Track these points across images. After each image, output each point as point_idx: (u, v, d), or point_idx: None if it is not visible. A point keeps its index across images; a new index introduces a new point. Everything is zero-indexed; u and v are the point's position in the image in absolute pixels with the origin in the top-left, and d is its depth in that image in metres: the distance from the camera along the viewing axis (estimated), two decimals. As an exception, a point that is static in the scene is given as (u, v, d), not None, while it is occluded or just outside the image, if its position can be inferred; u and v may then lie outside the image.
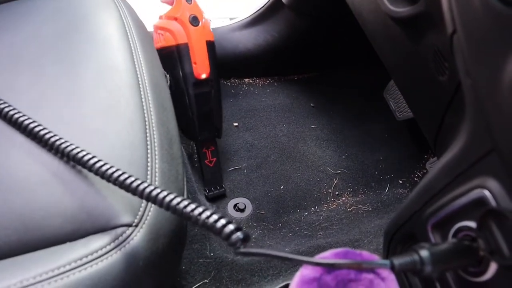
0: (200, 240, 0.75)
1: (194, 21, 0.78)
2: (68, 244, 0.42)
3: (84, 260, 0.41)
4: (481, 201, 0.30)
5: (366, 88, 1.14)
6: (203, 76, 0.80)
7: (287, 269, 0.74)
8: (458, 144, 0.33)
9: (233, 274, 0.71)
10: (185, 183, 0.54)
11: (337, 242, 0.75)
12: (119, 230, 0.44)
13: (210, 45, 0.81)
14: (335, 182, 1.00)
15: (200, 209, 0.34)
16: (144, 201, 0.46)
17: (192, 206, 0.35)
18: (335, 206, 0.96)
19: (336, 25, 1.05)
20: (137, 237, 0.44)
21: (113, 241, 0.43)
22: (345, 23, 0.88)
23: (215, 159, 0.90)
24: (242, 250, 0.30)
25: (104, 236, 0.43)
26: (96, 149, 0.45)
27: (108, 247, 0.42)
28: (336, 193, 0.98)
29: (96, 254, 0.41)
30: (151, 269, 0.45)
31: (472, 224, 0.31)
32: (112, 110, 0.51)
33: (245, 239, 0.31)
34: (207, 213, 0.34)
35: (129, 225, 0.44)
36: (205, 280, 0.72)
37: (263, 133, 1.05)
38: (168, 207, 0.38)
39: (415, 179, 1.01)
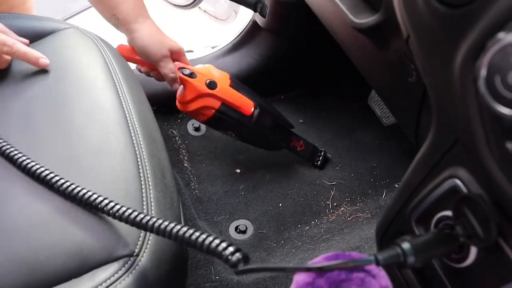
0: (204, 265, 0.76)
1: (212, 85, 0.83)
2: (73, 281, 0.44)
3: (91, 293, 0.42)
4: (454, 190, 0.32)
5: (351, 99, 1.17)
6: (252, 109, 0.87)
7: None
8: (428, 140, 0.36)
9: (239, 295, 0.72)
10: (181, 209, 0.56)
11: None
12: (122, 261, 0.45)
13: (234, 82, 0.88)
14: (332, 193, 1.01)
15: (197, 234, 0.36)
16: (142, 230, 0.47)
17: (190, 231, 0.37)
18: (334, 217, 0.97)
19: (314, 42, 1.08)
20: (139, 266, 0.45)
21: (117, 272, 0.44)
22: (323, 39, 0.91)
23: (302, 141, 1.00)
24: (241, 268, 0.32)
25: (108, 268, 0.44)
26: (91, 186, 0.47)
27: (113, 278, 0.43)
28: (335, 204, 1.00)
29: (101, 287, 0.43)
30: (157, 296, 0.46)
31: (449, 213, 0.33)
32: (104, 147, 0.53)
33: (245, 259, 0.33)
34: (209, 238, 0.35)
35: (130, 255, 0.45)
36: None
37: (256, 154, 1.06)
38: (169, 235, 0.40)
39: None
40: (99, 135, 0.55)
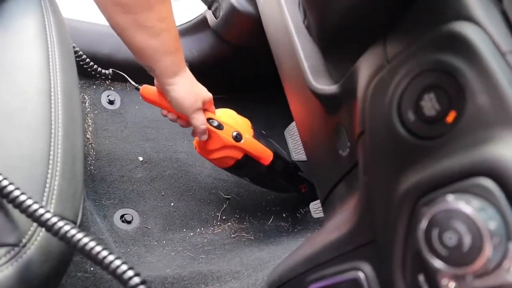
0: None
1: (238, 137, 0.84)
2: None
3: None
4: (356, 281, 0.36)
5: (268, 123, 1.20)
6: (270, 159, 0.90)
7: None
8: (347, 225, 0.39)
9: (110, 292, 0.70)
10: (81, 202, 0.53)
11: (219, 271, 0.78)
12: (5, 248, 0.41)
13: (255, 131, 0.89)
14: (224, 206, 1.04)
15: (105, 253, 0.35)
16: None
17: (89, 243, 0.35)
18: (220, 230, 0.99)
19: (255, 57, 1.09)
20: (24, 258, 0.42)
21: (-5, 261, 0.40)
22: (265, 59, 0.93)
23: (305, 184, 1.02)
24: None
25: (-15, 254, 0.40)
26: (-8, 157, 0.42)
27: (-12, 268, 0.39)
28: (224, 217, 1.02)
29: (-26, 274, 0.39)
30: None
31: (345, 298, 0.37)
32: (17, 115, 0.48)
33: (142, 283, 0.32)
34: (117, 262, 0.34)
35: (16, 245, 0.42)
36: (79, 295, 0.69)
37: (163, 146, 1.04)
38: (65, 239, 0.38)
39: (297, 215, 1.09)
40: (14, 100, 0.49)
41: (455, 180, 0.26)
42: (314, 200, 1.05)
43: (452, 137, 0.28)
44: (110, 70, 0.92)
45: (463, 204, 0.24)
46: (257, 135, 0.90)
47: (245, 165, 0.88)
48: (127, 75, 0.85)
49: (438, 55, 0.30)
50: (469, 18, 0.29)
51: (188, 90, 0.74)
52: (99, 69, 0.90)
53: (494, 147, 0.25)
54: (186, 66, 0.74)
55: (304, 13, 0.57)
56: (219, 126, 0.83)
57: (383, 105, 0.33)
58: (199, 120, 0.78)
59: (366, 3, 0.38)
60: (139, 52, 0.65)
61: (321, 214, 1.09)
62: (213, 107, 0.85)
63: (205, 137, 0.82)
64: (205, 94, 0.79)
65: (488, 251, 0.23)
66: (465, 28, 0.29)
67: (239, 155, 0.86)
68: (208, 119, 0.81)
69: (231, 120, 0.87)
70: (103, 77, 0.93)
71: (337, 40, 0.48)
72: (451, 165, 0.27)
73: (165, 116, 0.82)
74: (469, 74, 0.28)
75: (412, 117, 0.31)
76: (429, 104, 0.30)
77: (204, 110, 0.81)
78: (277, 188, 1.03)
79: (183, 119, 0.80)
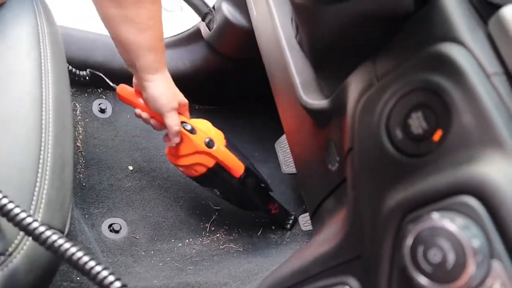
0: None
1: (210, 144, 0.83)
2: None
3: None
4: (343, 296, 0.36)
5: (261, 133, 1.21)
6: (241, 171, 0.88)
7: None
8: (335, 239, 0.39)
9: (96, 303, 0.69)
10: (70, 210, 0.52)
11: (206, 283, 0.78)
12: (-11, 257, 0.41)
13: (228, 141, 0.89)
14: (214, 217, 1.03)
15: (92, 263, 0.35)
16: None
17: (85, 258, 0.35)
18: (208, 241, 0.99)
19: (247, 69, 1.10)
20: (8, 268, 0.41)
21: (-20, 269, 0.40)
22: (257, 71, 0.94)
23: (276, 204, 1.01)
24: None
25: (-30, 262, 0.40)
26: (-19, 165, 0.42)
27: (-27, 276, 0.39)
28: (212, 228, 1.02)
29: (-42, 283, 0.38)
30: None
31: (332, 312, 0.37)
32: (8, 123, 0.48)
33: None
34: (104, 273, 0.34)
35: (2, 253, 0.42)
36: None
37: (154, 156, 1.04)
38: (53, 249, 0.38)
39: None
40: (7, 106, 0.49)
41: (441, 198, 0.26)
42: (283, 226, 1.06)
43: (438, 155, 0.29)
44: (88, 70, 0.92)
45: (448, 222, 0.24)
46: (230, 146, 0.89)
47: (216, 174, 0.87)
48: (121, 84, 0.85)
49: (425, 75, 0.30)
50: (456, 40, 0.30)
51: (166, 88, 0.75)
52: (74, 70, 0.89)
53: (478, 166, 0.26)
54: (167, 69, 0.75)
55: (296, 29, 0.58)
56: (192, 131, 0.82)
57: (372, 122, 0.34)
58: (173, 119, 0.78)
59: (357, 24, 0.38)
60: (123, 46, 0.66)
61: (310, 227, 1.09)
62: (188, 113, 0.85)
63: (177, 140, 0.81)
64: (181, 97, 0.80)
65: (471, 268, 0.23)
66: (452, 50, 0.29)
67: (211, 162, 0.85)
68: (182, 122, 0.81)
69: (204, 127, 0.87)
70: (81, 79, 0.92)
71: (328, 57, 0.49)
72: (437, 183, 0.27)
73: (139, 116, 0.82)
74: (455, 94, 0.28)
75: (400, 135, 0.32)
76: (417, 123, 0.31)
77: (179, 113, 0.81)
78: (246, 205, 1.01)
79: (157, 120, 0.80)
